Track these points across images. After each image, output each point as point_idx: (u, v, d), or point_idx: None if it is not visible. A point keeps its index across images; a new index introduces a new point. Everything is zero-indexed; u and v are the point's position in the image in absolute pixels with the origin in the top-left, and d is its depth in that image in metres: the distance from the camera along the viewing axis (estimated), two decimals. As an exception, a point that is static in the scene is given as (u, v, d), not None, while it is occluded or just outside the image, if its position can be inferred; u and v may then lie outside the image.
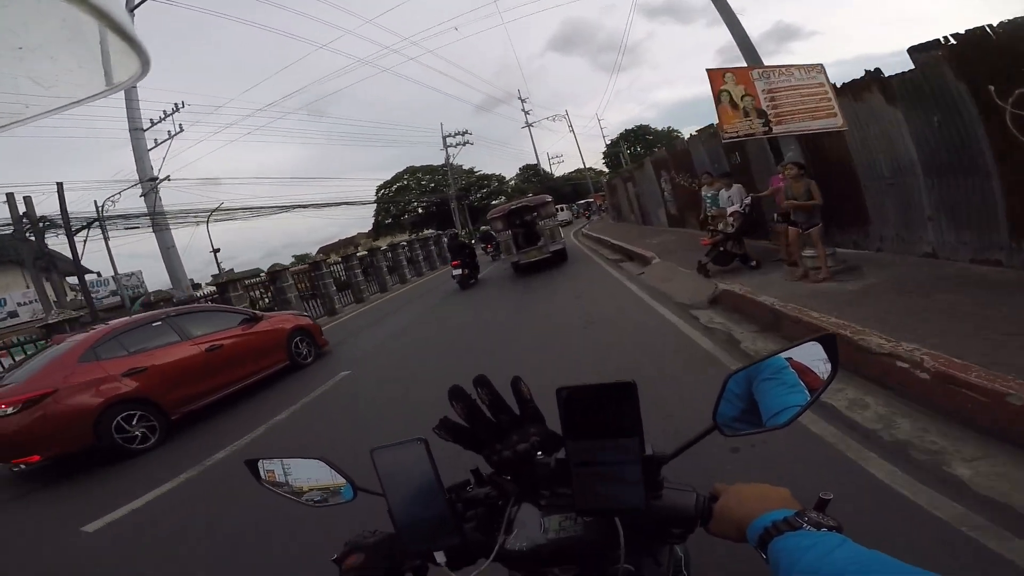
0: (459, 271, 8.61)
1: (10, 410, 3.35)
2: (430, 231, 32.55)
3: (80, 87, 0.30)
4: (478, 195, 35.71)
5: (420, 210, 36.36)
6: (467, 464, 0.58)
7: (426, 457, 0.48)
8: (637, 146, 41.48)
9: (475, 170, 36.45)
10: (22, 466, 3.49)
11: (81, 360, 3.72)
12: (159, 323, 4.37)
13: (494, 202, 35.74)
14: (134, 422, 3.68)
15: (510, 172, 39.88)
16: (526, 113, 33.45)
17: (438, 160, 32.04)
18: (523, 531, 0.52)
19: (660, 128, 43.23)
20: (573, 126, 23.45)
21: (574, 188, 38.02)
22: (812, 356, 0.47)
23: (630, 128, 43.02)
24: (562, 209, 21.67)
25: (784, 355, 0.48)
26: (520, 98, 32.72)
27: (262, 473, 0.65)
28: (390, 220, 35.85)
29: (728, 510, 0.44)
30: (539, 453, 0.53)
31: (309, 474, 0.62)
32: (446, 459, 0.51)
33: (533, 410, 0.53)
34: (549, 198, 9.19)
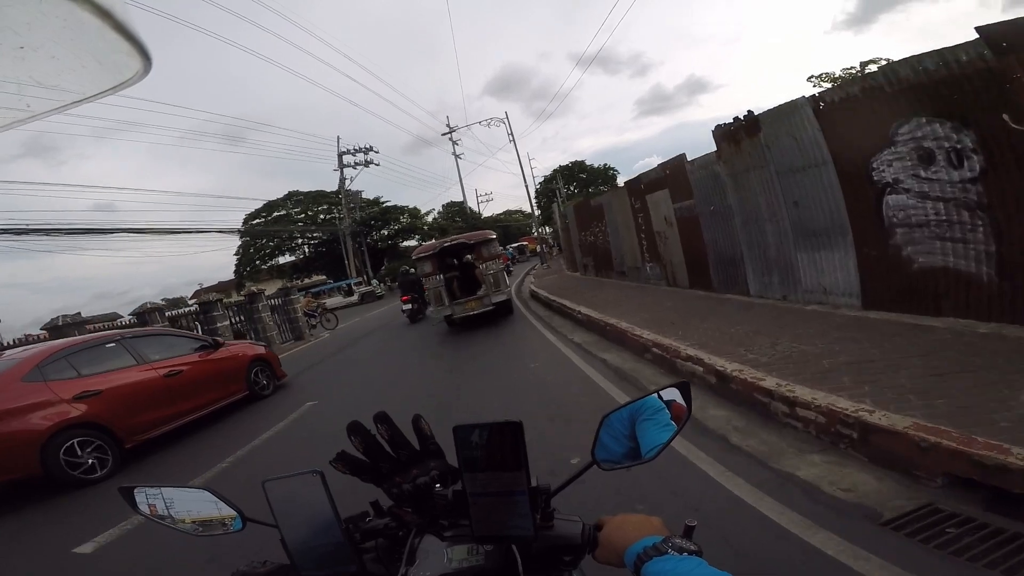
0: (409, 306, 10.56)
1: None
2: (318, 278, 30.98)
3: (82, 87, 0.34)
4: (383, 232, 35.11)
5: (306, 249, 34.57)
6: (366, 497, 0.70)
7: (322, 489, 0.58)
8: (572, 185, 44.59)
9: (382, 200, 35.41)
10: None
11: (25, 379, 3.99)
12: (113, 344, 4.76)
13: (405, 243, 35.51)
14: (87, 450, 3.97)
15: (429, 209, 40.04)
16: (454, 143, 35.00)
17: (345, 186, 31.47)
18: (427, 561, 0.61)
19: (597, 165, 47.05)
20: (515, 142, 25.08)
21: (504, 231, 39.93)
22: (676, 397, 0.65)
23: (564, 165, 46.23)
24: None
25: (662, 395, 0.64)
26: (448, 126, 34.44)
27: (140, 502, 0.71)
28: (258, 261, 32.82)
29: (610, 538, 0.57)
30: (438, 486, 0.65)
31: (194, 505, 0.70)
32: (344, 492, 0.62)
33: (433, 446, 0.67)
34: (492, 234, 8.51)
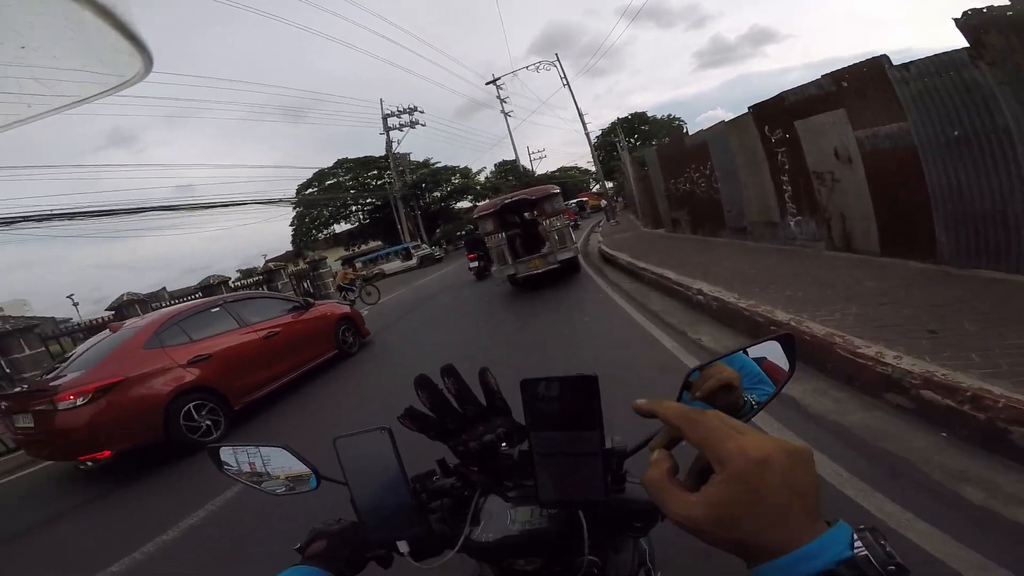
0: (475, 263, 11.48)
1: (80, 401, 3.81)
2: (375, 244, 32.17)
3: (83, 86, 0.35)
4: (435, 195, 35.62)
5: (361, 215, 35.83)
6: (434, 454, 0.72)
7: (390, 446, 0.60)
8: (633, 137, 43.40)
9: (432, 161, 35.82)
10: (89, 463, 3.96)
11: (146, 346, 4.37)
12: (217, 309, 5.18)
13: (458, 204, 35.79)
14: (202, 413, 4.30)
15: (480, 168, 40.26)
16: (501, 100, 34.55)
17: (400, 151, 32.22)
18: (490, 522, 0.64)
19: (659, 116, 45.13)
20: (568, 81, 23.79)
21: (560, 188, 41.81)
22: (774, 353, 0.58)
23: (623, 117, 44.92)
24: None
25: (752, 351, 0.59)
26: (495, 83, 33.67)
27: (224, 461, 0.80)
28: (313, 231, 34.64)
29: None
30: (504, 444, 0.65)
31: (273, 462, 0.77)
32: (412, 448, 0.65)
33: (500, 402, 0.65)
34: (556, 188, 8.51)
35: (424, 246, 28.69)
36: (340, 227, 36.65)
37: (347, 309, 6.84)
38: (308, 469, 0.74)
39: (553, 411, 0.51)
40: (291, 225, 34.79)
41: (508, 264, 7.97)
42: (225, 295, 6.12)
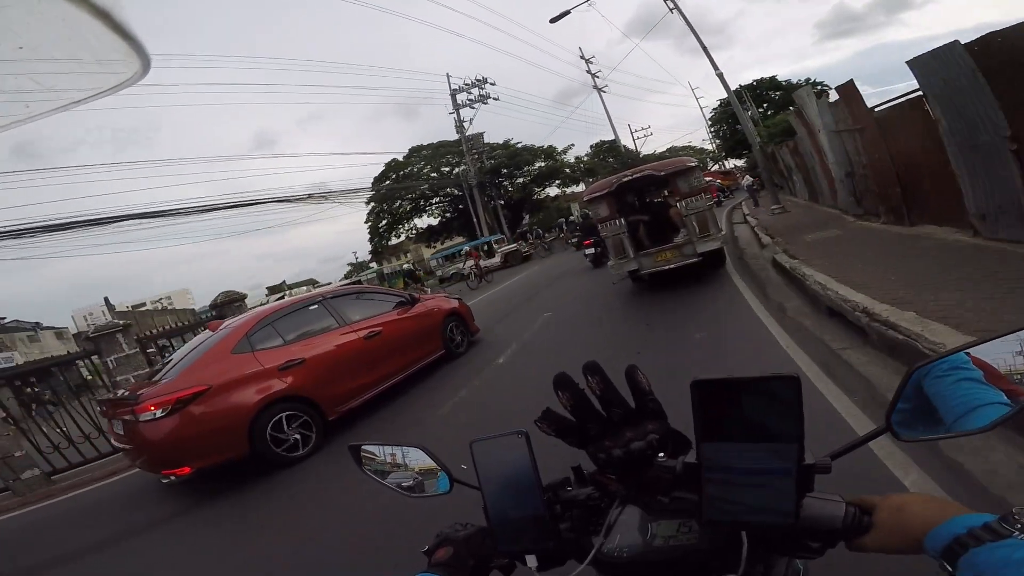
0: (592, 250, 11.96)
1: (160, 412, 3.86)
2: (459, 239, 32.43)
3: (81, 87, 0.37)
4: (519, 181, 35.18)
5: (445, 209, 36.20)
6: (566, 459, 0.74)
7: (526, 452, 0.62)
8: (763, 107, 40.60)
9: (513, 142, 34.93)
10: (172, 478, 4.02)
11: (235, 351, 4.35)
12: (316, 306, 5.17)
13: (546, 191, 34.84)
14: (292, 425, 4.23)
15: (568, 145, 38.51)
16: (593, 76, 33.69)
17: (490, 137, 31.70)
18: (625, 535, 0.64)
19: (795, 81, 41.20)
20: (679, 9, 21.24)
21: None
22: (1006, 351, 0.53)
23: (747, 84, 41.39)
24: None
25: (980, 349, 0.54)
26: (584, 58, 33.15)
27: (365, 458, 0.88)
28: (385, 224, 35.24)
29: (899, 516, 0.53)
30: (660, 455, 0.64)
31: (408, 461, 0.85)
32: (542, 447, 0.66)
33: (652, 404, 0.64)
34: (692, 161, 7.76)
35: (508, 241, 28.33)
36: (421, 221, 37.41)
37: (455, 303, 6.79)
38: (442, 471, 0.82)
39: (737, 419, 0.50)
40: (366, 223, 35.94)
41: (628, 257, 7.21)
42: (324, 289, 6.21)
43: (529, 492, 0.64)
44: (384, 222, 35.39)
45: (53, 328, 36.26)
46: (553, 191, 37.40)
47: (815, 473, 0.57)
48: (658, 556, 0.62)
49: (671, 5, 19.88)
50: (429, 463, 0.83)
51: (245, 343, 4.43)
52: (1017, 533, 0.41)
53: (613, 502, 0.68)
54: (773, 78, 42.38)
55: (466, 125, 30.88)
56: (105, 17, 0.31)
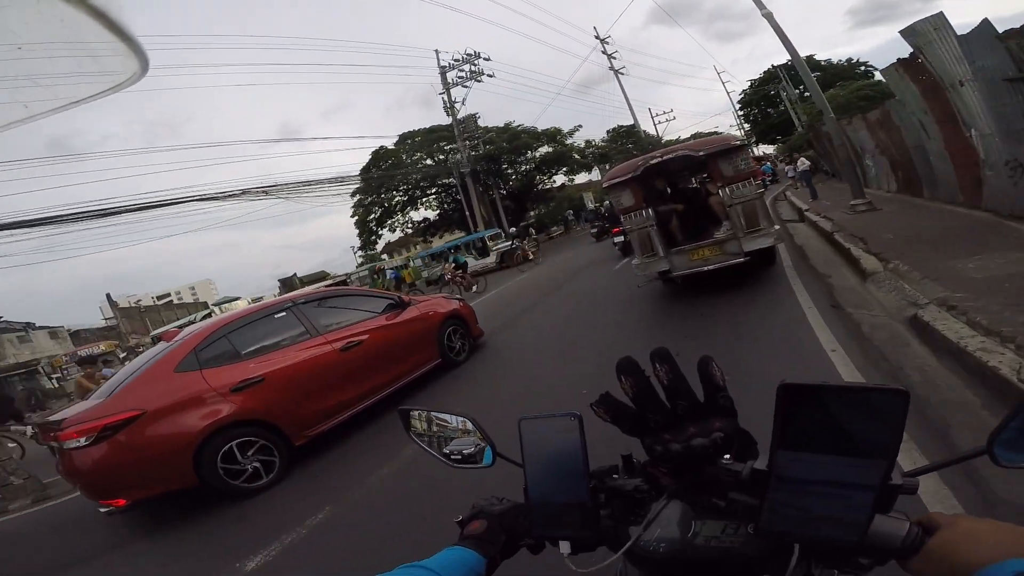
0: (621, 238, 12.04)
1: (84, 440, 3.73)
2: (461, 234, 31.65)
3: (80, 88, 0.45)
4: (523, 169, 34.67)
5: (444, 201, 35.85)
6: (614, 444, 0.78)
7: (577, 435, 0.66)
8: (800, 88, 41.25)
9: (514, 125, 34.14)
10: (112, 507, 3.90)
11: (179, 369, 4.18)
12: (283, 314, 4.94)
13: (554, 177, 34.25)
14: (248, 453, 4.08)
15: (575, 126, 37.67)
16: (609, 56, 34.06)
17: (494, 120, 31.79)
18: (664, 530, 0.67)
19: (836, 61, 41.51)
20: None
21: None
22: None
23: (780, 64, 41.13)
24: None
25: None
26: (599, 37, 33.40)
27: (413, 424, 0.99)
28: (375, 217, 34.89)
29: (949, 548, 0.53)
30: (726, 456, 0.65)
31: (455, 431, 0.94)
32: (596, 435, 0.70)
33: (724, 400, 0.67)
34: (737, 139, 7.31)
35: (505, 237, 27.03)
36: (418, 214, 37.12)
37: (455, 305, 6.61)
38: (486, 443, 0.88)
39: (825, 429, 0.51)
40: (352, 216, 35.57)
41: (657, 256, 6.63)
42: (297, 293, 6.00)
43: (575, 477, 0.68)
44: (373, 215, 35.10)
45: (47, 328, 36.32)
46: (561, 179, 36.82)
47: (900, 494, 0.59)
48: (696, 555, 0.65)
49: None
50: (476, 434, 0.90)
51: (192, 360, 4.22)
52: None
53: (659, 495, 0.72)
54: (811, 57, 42.29)
55: (458, 106, 30.19)
56: (104, 19, 0.37)
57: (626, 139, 39.61)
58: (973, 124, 6.63)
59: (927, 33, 6.56)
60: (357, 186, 31.91)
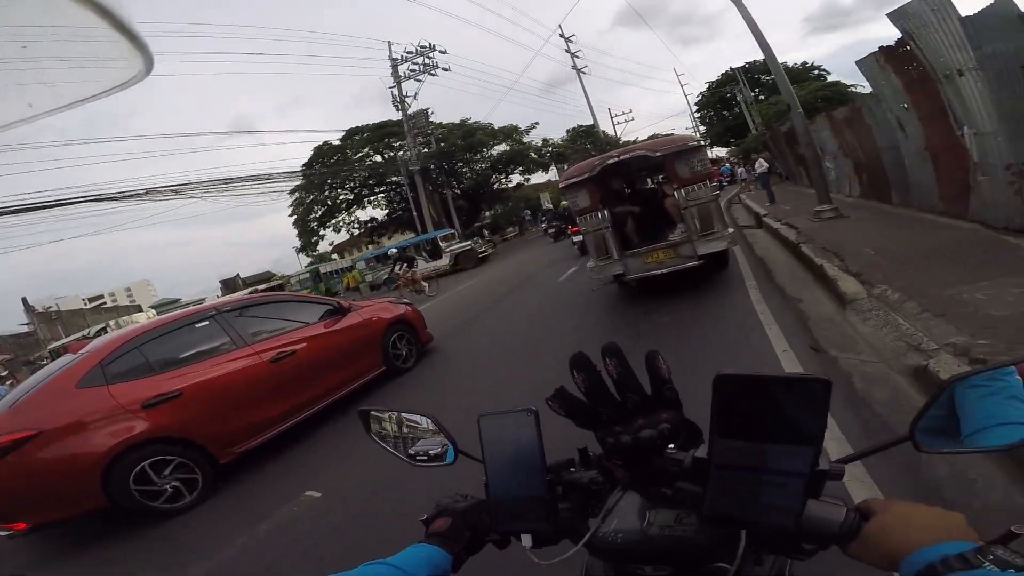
0: (580, 237, 12.13)
1: None
2: (411, 236, 31.02)
3: (84, 86, 0.41)
4: (477, 167, 34.59)
5: (383, 201, 35.46)
6: (572, 439, 0.86)
7: (534, 430, 0.71)
8: (756, 91, 43.41)
9: (470, 122, 34.12)
10: (12, 531, 3.77)
11: (82, 385, 4.00)
12: (206, 323, 4.78)
13: (511, 177, 34.43)
14: (165, 472, 3.98)
15: (531, 124, 38.45)
16: (573, 55, 34.84)
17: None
18: (621, 520, 0.73)
19: (791, 65, 43.65)
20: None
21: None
22: None
23: (738, 67, 43.99)
24: None
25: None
26: (563, 35, 34.25)
27: (373, 424, 1.03)
28: (316, 217, 34.06)
29: (884, 532, 0.58)
30: (671, 446, 0.71)
31: (416, 430, 1.00)
32: (552, 431, 0.76)
33: (669, 392, 0.71)
34: (695, 139, 7.44)
35: (459, 238, 26.39)
36: (365, 214, 36.41)
37: (402, 310, 6.59)
38: (448, 442, 0.94)
39: (755, 417, 0.56)
40: (290, 215, 34.44)
41: (612, 259, 6.74)
42: (222, 301, 5.90)
43: (532, 471, 0.72)
44: (314, 214, 34.17)
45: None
46: (518, 178, 37.11)
47: (827, 479, 0.66)
48: (652, 544, 0.70)
49: None
50: (436, 433, 0.96)
51: (97, 374, 4.04)
52: (987, 565, 0.47)
53: (615, 487, 0.78)
54: (760, 63, 44.61)
55: (410, 101, 29.77)
56: (108, 15, 0.34)
57: (585, 139, 40.40)
58: (968, 121, 5.97)
59: (922, 15, 5.92)
60: (299, 183, 31.07)
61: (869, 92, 8.91)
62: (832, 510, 0.64)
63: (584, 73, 35.22)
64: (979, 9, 5.13)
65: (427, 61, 28.99)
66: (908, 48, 6.57)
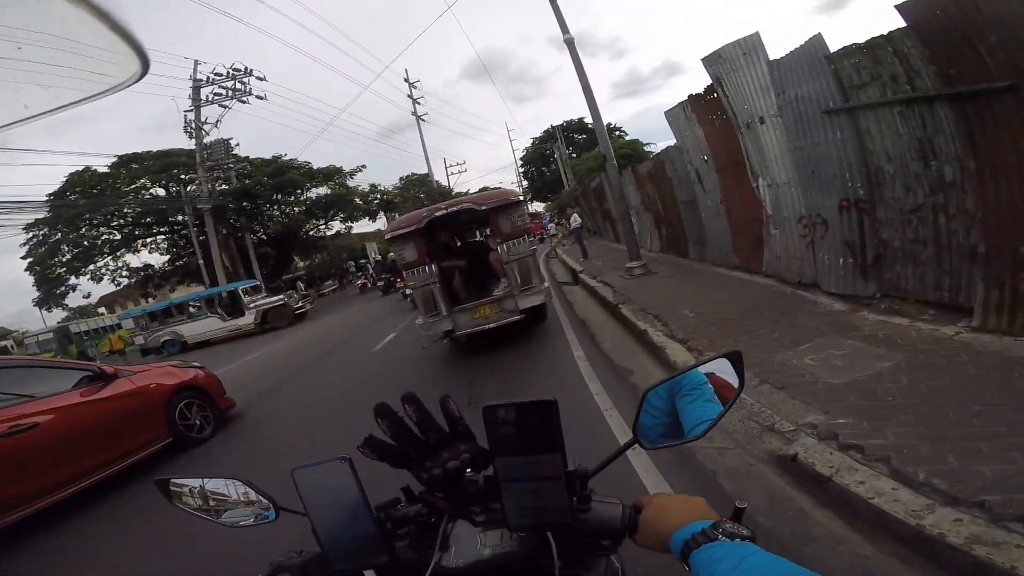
0: (410, 290, 12.69)
1: None
2: (196, 289, 26.77)
3: (80, 87, 0.47)
4: (289, 210, 32.74)
5: (165, 244, 31.27)
6: (398, 483, 0.98)
7: (350, 476, 0.80)
8: (571, 148, 48.88)
9: (283, 158, 32.29)
10: None
11: None
12: None
13: (336, 226, 33.17)
14: None
15: (356, 168, 37.95)
16: (415, 101, 35.86)
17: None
18: (459, 548, 0.86)
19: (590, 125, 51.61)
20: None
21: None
22: (724, 370, 0.91)
23: (558, 124, 49.61)
24: None
25: (702, 369, 0.90)
26: (407, 80, 35.46)
27: (175, 493, 1.04)
28: (63, 262, 28.55)
29: (652, 522, 0.76)
30: (468, 470, 0.87)
31: (228, 494, 1.02)
32: (376, 476, 0.89)
33: (462, 427, 0.87)
34: (516, 194, 7.80)
35: (262, 292, 23.44)
36: (138, 260, 31.41)
37: (191, 375, 6.39)
38: (266, 500, 0.98)
39: (515, 436, 0.73)
40: (24, 257, 28.19)
41: (441, 315, 7.00)
42: None
43: (357, 513, 0.81)
44: (60, 258, 28.40)
45: None
46: (339, 226, 35.89)
47: (576, 478, 0.81)
48: (488, 565, 0.82)
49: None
50: (251, 494, 0.99)
51: None
52: (720, 537, 0.64)
53: (443, 517, 0.88)
54: (581, 120, 51.42)
55: (207, 128, 26.69)
56: (105, 18, 0.37)
57: (419, 187, 41.28)
58: (764, 171, 6.40)
59: (733, 59, 6.15)
60: (40, 216, 25.30)
61: (673, 145, 9.54)
62: (612, 508, 0.82)
63: (424, 120, 36.35)
64: (787, 51, 5.36)
65: (238, 86, 26.56)
66: (715, 96, 7.00)
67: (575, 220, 19.47)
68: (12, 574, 3.92)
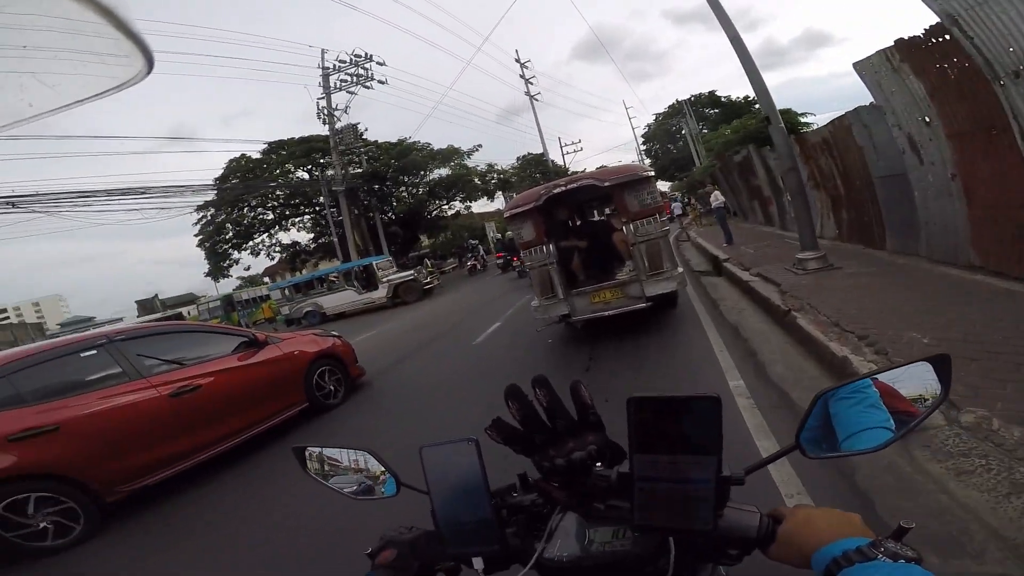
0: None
1: None
2: (336, 267, 29.29)
3: (84, 86, 0.46)
4: (417, 192, 34.49)
5: (310, 223, 34.38)
6: (511, 467, 0.94)
7: (476, 458, 0.79)
8: (701, 124, 46.22)
9: (409, 141, 33.62)
10: None
11: None
12: (94, 351, 4.68)
13: (450, 203, 34.28)
14: (37, 512, 3.92)
15: (473, 147, 38.34)
16: (527, 81, 36.38)
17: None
18: (565, 541, 0.84)
19: (735, 97, 47.38)
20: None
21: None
22: (923, 376, 0.78)
23: (685, 99, 46.90)
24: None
25: (900, 373, 0.80)
26: (518, 60, 35.89)
27: (308, 461, 1.11)
28: (226, 239, 32.38)
29: (794, 534, 0.71)
30: (598, 464, 0.82)
31: (354, 465, 1.07)
32: (492, 460, 0.85)
33: (593, 417, 0.83)
34: (647, 171, 7.04)
35: (393, 267, 24.42)
36: (287, 237, 35.15)
37: (329, 343, 6.72)
38: (389, 475, 1.03)
39: (664, 433, 0.67)
40: (196, 235, 32.35)
41: (558, 298, 6.76)
42: (114, 329, 5.52)
43: (477, 496, 0.81)
44: (223, 236, 32.39)
45: None
46: (458, 206, 37.12)
47: (731, 485, 0.76)
48: (595, 561, 0.81)
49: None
50: (376, 467, 1.04)
51: None
52: (880, 557, 0.60)
53: (555, 509, 0.89)
54: (712, 93, 48.35)
55: (338, 114, 28.70)
56: (110, 16, 0.36)
57: (535, 167, 41.38)
58: None
59: None
60: (207, 199, 29.41)
61: (866, 105, 7.38)
62: (749, 517, 0.77)
63: (537, 100, 36.53)
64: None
65: (361, 72, 28.29)
66: (942, 39, 5.16)
67: (716, 198, 16.80)
68: None
